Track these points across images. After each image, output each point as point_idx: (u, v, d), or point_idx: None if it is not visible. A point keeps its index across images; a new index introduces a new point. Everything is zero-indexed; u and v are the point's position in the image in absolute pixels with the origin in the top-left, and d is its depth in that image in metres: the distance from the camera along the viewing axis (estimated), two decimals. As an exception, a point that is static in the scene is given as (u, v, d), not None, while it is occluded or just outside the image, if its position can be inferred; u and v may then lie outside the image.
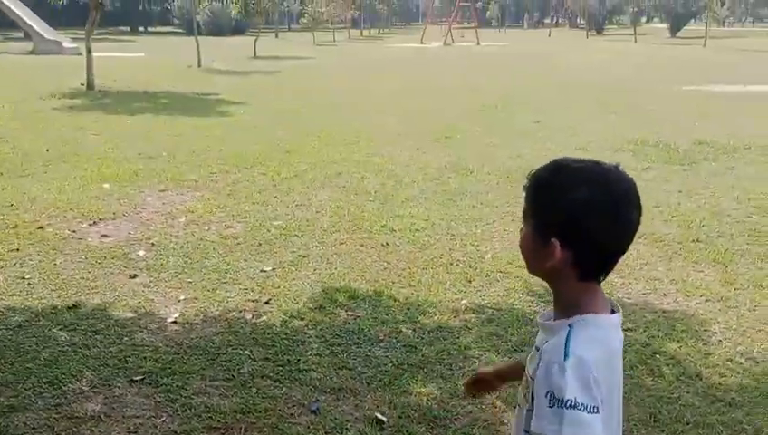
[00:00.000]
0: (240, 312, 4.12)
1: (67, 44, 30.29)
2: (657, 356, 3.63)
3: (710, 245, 5.34)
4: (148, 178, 7.31)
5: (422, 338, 3.79)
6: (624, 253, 1.35)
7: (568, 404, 1.22)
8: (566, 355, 1.26)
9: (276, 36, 50.10)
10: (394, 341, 3.74)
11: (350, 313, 4.09)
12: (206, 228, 5.71)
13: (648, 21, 72.16)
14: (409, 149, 8.92)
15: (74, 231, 5.52)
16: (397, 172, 7.65)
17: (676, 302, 4.37)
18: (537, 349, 1.37)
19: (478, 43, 39.92)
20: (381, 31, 68.04)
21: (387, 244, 5.31)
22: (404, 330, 3.86)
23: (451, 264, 4.91)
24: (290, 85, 17.42)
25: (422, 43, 41.59)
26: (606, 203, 1.30)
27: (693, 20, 54.98)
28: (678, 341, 3.83)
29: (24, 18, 33.01)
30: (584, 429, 1.22)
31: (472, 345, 3.73)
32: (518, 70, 22.42)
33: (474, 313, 4.14)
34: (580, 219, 1.30)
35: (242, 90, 16.04)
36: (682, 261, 5.04)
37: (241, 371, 3.42)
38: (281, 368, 3.43)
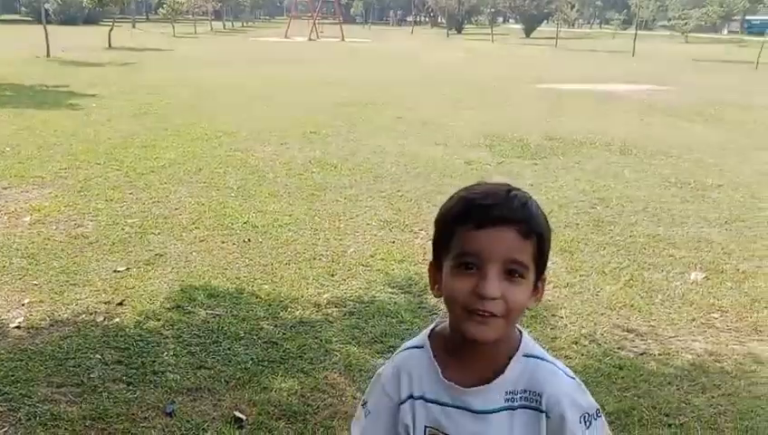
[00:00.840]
0: (91, 314, 3.92)
1: None
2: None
3: (558, 235, 5.70)
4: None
5: (283, 334, 3.78)
6: None
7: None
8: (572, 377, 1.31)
9: (133, 27, 47.97)
10: (254, 337, 3.71)
11: (209, 311, 4.01)
12: (54, 228, 5.39)
13: (504, 21, 75.67)
14: (273, 145, 8.84)
15: None
16: (260, 168, 7.56)
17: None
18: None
19: (343, 39, 40.18)
20: (245, 24, 66.83)
21: (249, 240, 5.25)
22: (265, 326, 3.85)
23: (314, 258, 4.94)
24: (147, 78, 16.73)
25: (286, 37, 41.28)
26: None
27: (545, 21, 58.29)
28: (528, 326, 4.07)
29: None
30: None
31: (333, 339, 3.77)
32: (381, 66, 22.79)
33: (335, 306, 4.19)
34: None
35: (95, 82, 15.23)
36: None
37: (91, 375, 3.26)
38: (134, 371, 3.31)
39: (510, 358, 1.26)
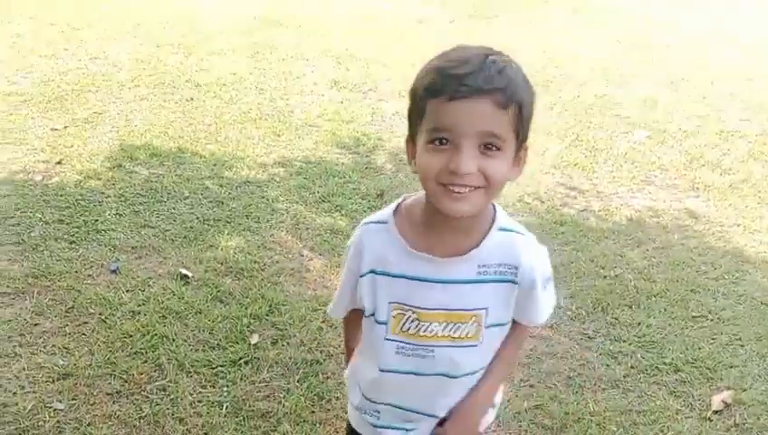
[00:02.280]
0: (29, 173, 3.81)
1: None
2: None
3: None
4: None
5: (229, 193, 3.76)
6: None
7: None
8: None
9: None
10: (200, 197, 3.68)
11: (151, 170, 3.94)
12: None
13: None
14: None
15: None
16: (203, 23, 7.20)
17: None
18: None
19: None
20: None
21: (191, 99, 5.08)
22: (210, 186, 3.81)
23: (260, 118, 4.83)
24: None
25: None
26: None
27: None
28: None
29: None
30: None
31: (280, 198, 3.77)
32: None
33: (282, 166, 4.15)
34: None
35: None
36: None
37: (32, 234, 3.22)
38: (76, 229, 3.28)
39: (485, 232, 1.24)
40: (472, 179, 1.11)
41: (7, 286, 2.82)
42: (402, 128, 4.85)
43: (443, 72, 1.11)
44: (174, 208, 3.55)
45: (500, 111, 1.09)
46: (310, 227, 3.50)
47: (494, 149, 1.11)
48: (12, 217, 3.34)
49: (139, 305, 2.78)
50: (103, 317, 2.70)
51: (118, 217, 3.45)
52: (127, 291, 2.87)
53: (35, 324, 2.64)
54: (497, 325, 1.30)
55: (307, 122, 4.82)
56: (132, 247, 3.19)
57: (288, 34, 7.08)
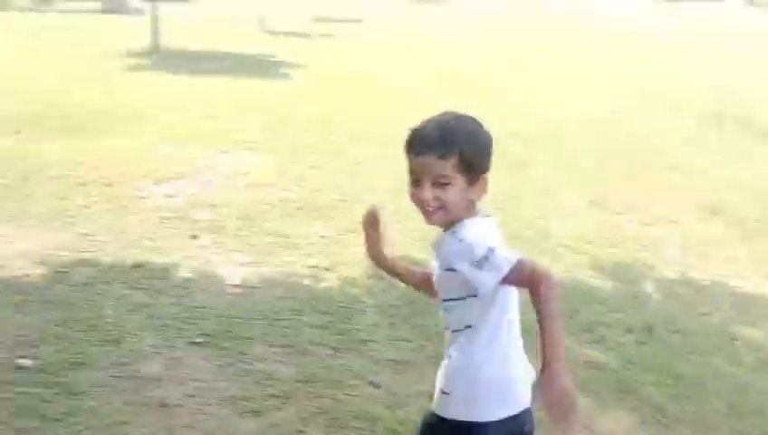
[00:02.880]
0: (299, 277, 4.09)
1: (134, 4, 30.70)
2: (736, 342, 3.45)
3: None
4: (209, 138, 7.33)
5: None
6: None
7: (484, 256, 1.63)
8: None
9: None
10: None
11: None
12: (266, 191, 5.69)
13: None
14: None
15: (140, 190, 5.57)
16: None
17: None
18: None
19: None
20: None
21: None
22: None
23: (516, 236, 4.77)
24: (352, 48, 17.27)
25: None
26: None
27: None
28: (756, 326, 3.63)
29: (93, -23, 33.56)
30: (494, 263, 1.64)
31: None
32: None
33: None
34: None
35: (302, 53, 15.98)
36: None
37: (300, 338, 3.39)
38: (339, 337, 3.39)
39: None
40: (431, 203, 1.65)
41: (278, 389, 2.96)
42: (672, 255, 4.53)
43: (411, 134, 1.69)
44: (432, 325, 3.55)
45: (442, 161, 1.63)
46: (570, 359, 3.28)
47: (444, 184, 1.64)
48: (284, 319, 3.56)
49: (399, 424, 2.75)
50: (364, 433, 2.70)
51: (375, 327, 3.52)
52: (386, 407, 2.86)
53: (300, 431, 2.71)
54: (453, 300, 1.73)
55: (564, 243, 4.67)
56: (391, 361, 3.21)
57: (537, 150, 7.09)
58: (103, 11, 29.53)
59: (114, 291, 3.81)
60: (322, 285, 3.98)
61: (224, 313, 3.61)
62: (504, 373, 1.72)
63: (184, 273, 4.11)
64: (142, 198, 5.43)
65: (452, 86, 11.09)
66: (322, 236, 4.73)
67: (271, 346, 3.30)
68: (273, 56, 15.08)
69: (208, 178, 6.00)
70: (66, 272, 4.02)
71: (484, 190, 1.68)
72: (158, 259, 4.28)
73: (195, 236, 4.67)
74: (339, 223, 4.98)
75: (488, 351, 1.70)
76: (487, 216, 1.73)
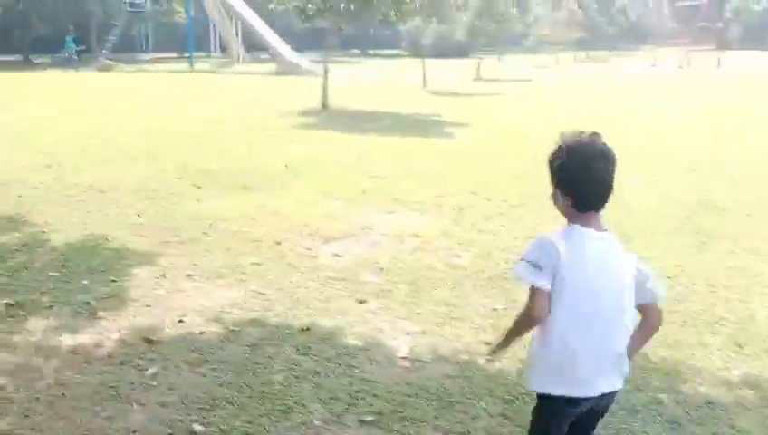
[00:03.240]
0: (472, 354, 3.81)
1: (306, 65, 32.56)
2: None
3: None
4: (375, 198, 7.34)
5: (687, 414, 3.21)
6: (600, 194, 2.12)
7: (521, 258, 2.11)
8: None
9: (499, 59, 50.10)
10: (653, 413, 3.20)
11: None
12: (433, 255, 5.51)
13: None
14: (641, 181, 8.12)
15: (309, 248, 5.60)
16: (637, 203, 6.94)
17: None
18: None
19: (718, 66, 36.64)
20: (608, 53, 65.25)
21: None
22: (665, 401, 3.31)
23: (715, 322, 4.22)
24: (514, 108, 17.07)
25: (653, 65, 39.13)
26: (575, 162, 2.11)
27: None
28: None
29: (271, 41, 36.12)
30: (518, 269, 2.10)
31: (753, 430, 3.08)
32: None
33: (750, 388, 3.46)
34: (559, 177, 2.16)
35: (465, 112, 16.00)
36: None
37: (476, 426, 3.10)
38: (520, 430, 3.06)
39: None
40: None
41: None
42: None
43: None
44: (625, 422, 3.13)
45: None
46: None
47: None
48: (457, 402, 3.29)
49: None
50: None
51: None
52: None
53: None
54: None
55: (775, 334, 4.05)
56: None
57: (734, 222, 6.40)
58: (278, 72, 31.57)
59: (283, 355, 3.74)
60: (498, 365, 3.67)
61: (393, 389, 3.40)
62: None
63: (352, 339, 3.98)
64: (310, 256, 5.44)
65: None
66: (494, 309, 4.43)
67: (445, 433, 3.04)
68: (437, 115, 15.22)
69: (375, 239, 5.93)
70: (238, 331, 4.02)
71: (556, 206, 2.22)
72: (325, 323, 4.19)
73: (362, 301, 4.55)
74: (511, 295, 4.67)
75: None
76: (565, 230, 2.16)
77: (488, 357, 2.87)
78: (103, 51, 41.79)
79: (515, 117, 15.05)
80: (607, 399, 2.21)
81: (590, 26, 52.65)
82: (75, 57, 35.04)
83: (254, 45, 38.95)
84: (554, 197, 2.15)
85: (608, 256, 2.11)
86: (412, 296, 4.66)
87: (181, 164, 8.96)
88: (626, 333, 2.15)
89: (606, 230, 2.12)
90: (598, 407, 2.22)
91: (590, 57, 55.03)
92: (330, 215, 6.62)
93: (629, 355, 2.17)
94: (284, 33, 38.44)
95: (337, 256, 5.46)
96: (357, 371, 3.58)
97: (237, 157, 9.71)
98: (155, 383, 3.39)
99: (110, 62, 37.02)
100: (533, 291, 2.05)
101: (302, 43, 41.81)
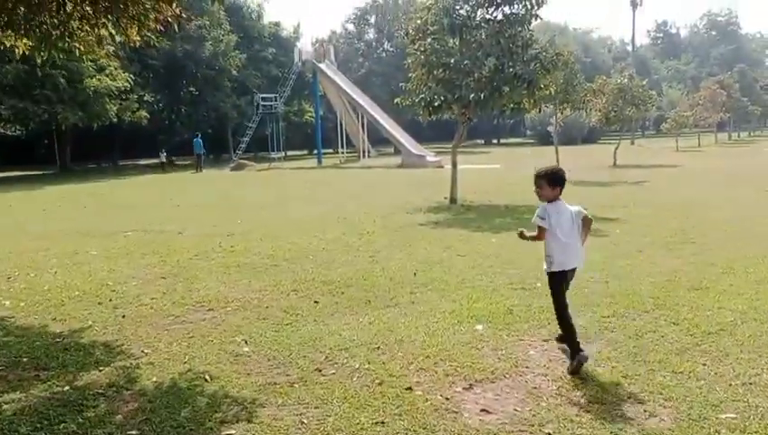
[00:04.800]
0: None
1: (430, 158, 32.10)
2: None
3: None
4: (525, 319, 6.01)
5: None
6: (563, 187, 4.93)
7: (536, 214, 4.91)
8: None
9: (632, 143, 47.85)
10: None
11: None
12: (617, 412, 4.08)
13: None
14: None
15: (447, 398, 4.33)
16: None
17: None
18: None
19: None
20: (752, 134, 61.16)
21: None
22: None
23: None
24: (664, 198, 15.29)
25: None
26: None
27: None
28: None
29: (397, 135, 36.19)
30: (535, 219, 4.91)
31: None
32: None
33: None
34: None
35: (610, 203, 14.42)
36: None
37: None
38: None
39: None
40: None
41: None
42: None
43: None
44: None
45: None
46: None
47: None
48: None
49: None
50: None
51: None
52: None
53: None
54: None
55: None
56: None
57: None
58: (403, 166, 31.23)
59: None
60: None
61: None
62: None
63: None
64: (450, 411, 4.15)
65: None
66: None
67: None
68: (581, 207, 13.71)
69: (533, 383, 4.58)
70: None
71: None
72: None
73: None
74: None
75: None
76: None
77: (519, 235, 5.22)
78: (237, 151, 43.69)
79: (671, 208, 13.29)
80: (574, 271, 5.02)
81: (733, 107, 49.38)
82: (202, 157, 36.64)
83: (379, 140, 39.25)
84: (540, 191, 4.95)
85: (564, 209, 4.91)
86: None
87: (299, 273, 8.09)
88: (579, 239, 4.99)
89: (561, 201, 4.93)
90: (571, 274, 5.01)
91: (733, 139, 51.49)
92: (470, 344, 5.36)
93: (582, 244, 5.05)
94: (408, 126, 38.47)
95: (485, 411, 4.15)
96: None
97: (361, 261, 8.73)
98: None
99: (244, 162, 38.42)
100: (540, 228, 4.88)
101: (425, 134, 41.80)
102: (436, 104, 14.63)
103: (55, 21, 7.09)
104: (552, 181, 4.84)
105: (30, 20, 7.06)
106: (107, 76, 34.75)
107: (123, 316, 6.46)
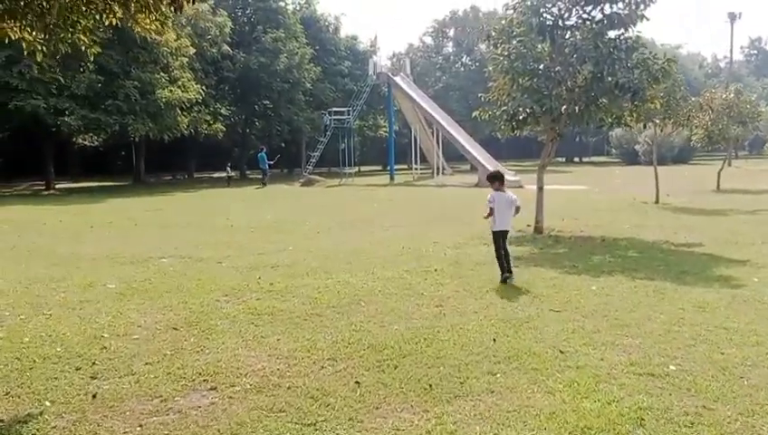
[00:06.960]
0: None
1: (510, 177, 29.82)
2: None
3: None
4: (657, 426, 3.97)
5: None
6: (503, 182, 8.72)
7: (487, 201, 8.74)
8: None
9: (729, 164, 44.09)
10: None
11: None
12: None
13: None
14: None
15: None
16: None
17: None
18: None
19: None
20: None
21: None
22: None
23: None
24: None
25: None
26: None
27: None
28: None
29: (473, 152, 34.19)
30: (487, 205, 8.69)
31: None
32: None
33: None
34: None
35: (732, 239, 11.99)
36: None
37: None
38: None
39: None
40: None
41: None
42: None
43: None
44: None
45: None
46: None
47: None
48: None
49: None
50: None
51: None
52: None
53: None
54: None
55: None
56: None
57: None
58: (479, 185, 29.14)
59: None
60: None
61: None
62: None
63: None
64: None
65: None
66: None
67: None
68: (694, 245, 11.38)
69: None
70: None
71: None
72: None
73: None
74: None
75: None
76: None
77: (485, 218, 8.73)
78: (307, 166, 42.53)
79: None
80: (508, 232, 8.65)
81: None
82: (267, 171, 35.49)
83: (454, 156, 37.27)
84: (491, 185, 8.63)
85: (504, 196, 8.54)
86: None
87: (343, 330, 6.24)
88: (511, 214, 8.63)
89: (502, 190, 8.58)
90: (506, 234, 8.58)
91: None
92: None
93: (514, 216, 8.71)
94: (485, 143, 36.47)
95: None
96: None
97: (424, 315, 6.81)
98: None
99: (314, 177, 37.15)
100: (491, 209, 8.51)
101: (503, 152, 39.48)
102: (520, 117, 12.59)
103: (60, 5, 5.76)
104: (492, 180, 8.72)
105: (29, 3, 5.74)
106: (179, 87, 34.17)
107: (94, 395, 4.77)
